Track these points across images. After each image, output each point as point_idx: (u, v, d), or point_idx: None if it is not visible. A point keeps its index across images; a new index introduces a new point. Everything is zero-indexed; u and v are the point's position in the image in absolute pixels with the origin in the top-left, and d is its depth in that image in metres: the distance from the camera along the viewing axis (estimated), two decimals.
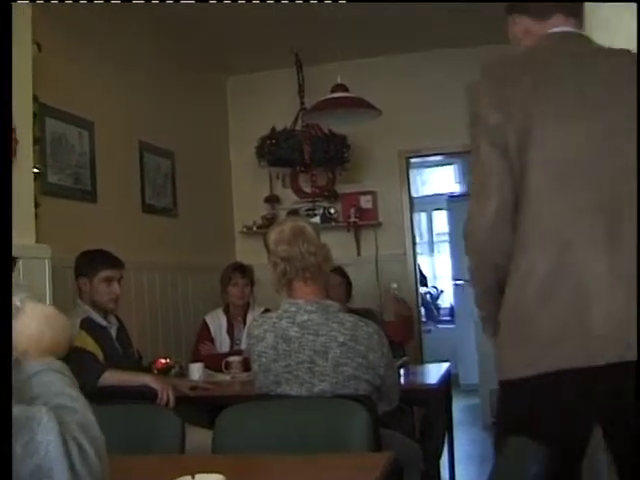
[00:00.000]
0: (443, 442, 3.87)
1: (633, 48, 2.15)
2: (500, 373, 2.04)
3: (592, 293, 1.92)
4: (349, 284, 4.59)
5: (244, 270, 4.61)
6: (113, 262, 3.70)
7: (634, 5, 2.32)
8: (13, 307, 1.39)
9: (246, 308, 4.61)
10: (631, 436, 1.92)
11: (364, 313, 3.34)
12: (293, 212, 6.03)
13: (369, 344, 2.61)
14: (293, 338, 2.64)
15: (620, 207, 1.96)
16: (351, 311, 2.87)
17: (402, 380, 3.57)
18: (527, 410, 2.00)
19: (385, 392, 2.76)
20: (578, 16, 2.18)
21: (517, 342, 2.01)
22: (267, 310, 4.08)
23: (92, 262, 3.66)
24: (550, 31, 2.15)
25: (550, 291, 1.95)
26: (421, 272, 8.07)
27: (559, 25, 2.14)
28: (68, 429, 1.20)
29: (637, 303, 1.88)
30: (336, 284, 4.19)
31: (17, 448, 1.13)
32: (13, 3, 2.80)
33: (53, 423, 1.18)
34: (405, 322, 4.53)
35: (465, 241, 2.12)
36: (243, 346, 4.38)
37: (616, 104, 2.03)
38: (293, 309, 2.67)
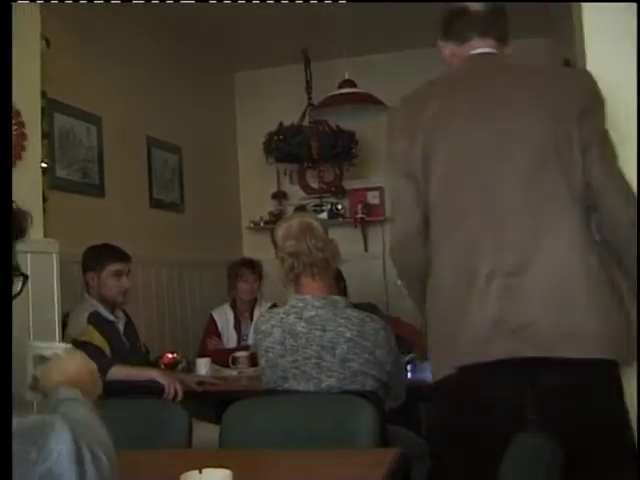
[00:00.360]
0: None
1: None
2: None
3: (481, 297, 2.05)
4: (343, 280, 4.56)
5: (253, 266, 4.62)
6: (121, 256, 3.71)
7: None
8: (54, 354, 1.67)
9: (253, 303, 4.61)
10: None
11: (368, 308, 3.34)
12: (300, 208, 6.02)
13: (376, 340, 2.61)
14: (300, 333, 2.63)
15: (507, 213, 2.08)
16: (355, 306, 2.86)
17: (409, 376, 3.56)
18: (445, 410, 2.21)
19: (392, 388, 2.76)
20: (497, 36, 2.35)
21: (434, 346, 2.21)
22: (274, 305, 4.09)
23: (99, 256, 3.66)
24: (470, 53, 2.32)
25: (451, 298, 2.13)
26: None
27: (478, 47, 2.31)
28: (83, 437, 1.25)
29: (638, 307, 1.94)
30: None
31: (33, 452, 1.17)
32: (18, 1, 2.81)
33: (66, 431, 1.22)
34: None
35: None
36: (250, 341, 4.38)
37: (515, 112, 2.14)
38: (300, 304, 2.66)
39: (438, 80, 2.35)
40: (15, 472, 1.15)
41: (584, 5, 2.30)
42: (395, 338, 2.78)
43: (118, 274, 3.66)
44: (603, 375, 2.04)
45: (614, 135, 2.11)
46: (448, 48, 2.43)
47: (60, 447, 1.19)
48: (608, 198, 2.08)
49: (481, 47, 2.32)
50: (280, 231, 2.76)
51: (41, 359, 1.66)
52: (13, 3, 2.61)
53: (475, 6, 2.36)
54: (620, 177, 2.10)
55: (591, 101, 2.13)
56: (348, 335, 2.59)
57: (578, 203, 2.06)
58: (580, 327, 1.99)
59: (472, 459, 2.06)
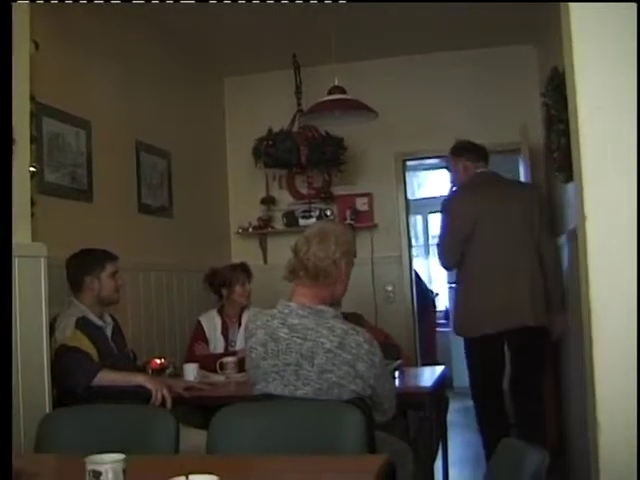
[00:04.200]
0: (438, 444, 3.86)
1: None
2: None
3: (498, 300, 4.26)
4: None
5: (248, 270, 4.68)
6: (113, 256, 3.77)
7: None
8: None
9: (242, 309, 4.62)
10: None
11: (352, 317, 3.33)
12: (289, 214, 6.03)
13: (357, 353, 2.58)
14: (281, 339, 2.64)
15: (515, 257, 4.31)
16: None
17: (397, 383, 3.56)
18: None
19: (379, 403, 2.74)
20: (486, 161, 4.56)
21: (468, 319, 4.45)
22: None
23: (97, 259, 3.69)
24: (478, 170, 4.51)
25: (480, 297, 4.34)
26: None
27: (481, 167, 4.53)
28: None
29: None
30: None
31: None
32: (18, 2, 2.81)
33: None
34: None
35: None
36: (238, 347, 4.38)
37: (510, 206, 4.36)
38: (286, 311, 2.68)
39: (469, 184, 4.49)
40: None
41: (571, 7, 2.30)
42: (384, 344, 2.77)
43: (114, 274, 3.73)
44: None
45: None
46: (462, 163, 4.55)
47: None
48: (548, 255, 4.44)
49: (482, 167, 4.54)
50: (306, 229, 2.86)
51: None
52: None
53: (479, 144, 4.58)
54: (553, 242, 4.55)
55: (541, 202, 4.55)
56: (328, 346, 2.58)
57: (535, 251, 4.36)
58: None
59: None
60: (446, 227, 4.46)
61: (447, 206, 4.52)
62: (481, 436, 4.54)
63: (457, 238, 4.35)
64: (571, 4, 2.27)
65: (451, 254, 4.42)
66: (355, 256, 2.89)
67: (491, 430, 4.33)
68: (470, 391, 4.63)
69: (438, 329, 9.09)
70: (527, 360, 4.45)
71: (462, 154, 4.54)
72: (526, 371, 4.47)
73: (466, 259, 4.37)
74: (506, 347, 4.46)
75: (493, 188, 4.46)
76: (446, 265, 4.62)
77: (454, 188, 4.72)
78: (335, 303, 2.84)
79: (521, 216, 4.37)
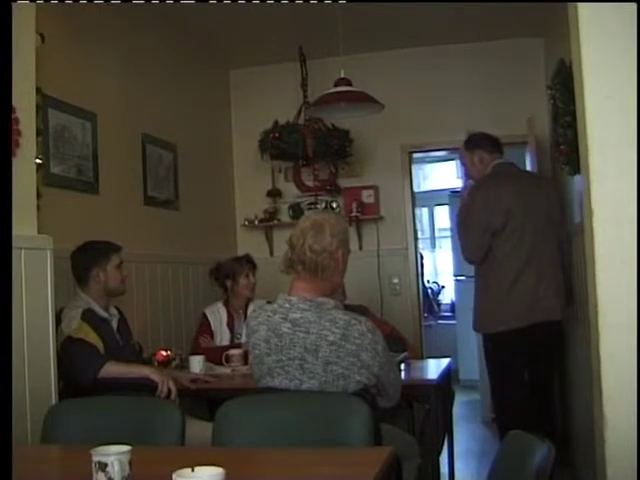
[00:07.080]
0: (443, 437, 3.86)
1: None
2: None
3: (525, 294, 4.19)
4: None
5: (253, 262, 4.68)
6: (117, 247, 3.77)
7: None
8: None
9: (248, 301, 4.63)
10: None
11: (358, 310, 3.33)
12: (295, 206, 6.02)
13: (361, 343, 2.57)
14: (284, 334, 2.63)
15: (541, 251, 4.24)
16: (346, 308, 2.84)
17: (402, 375, 3.56)
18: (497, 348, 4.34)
19: (383, 390, 2.74)
20: (502, 151, 4.53)
21: (492, 315, 4.30)
22: (268, 303, 4.08)
23: (102, 251, 3.69)
24: (497, 161, 4.45)
25: (508, 293, 4.22)
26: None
27: (497, 158, 4.47)
28: None
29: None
30: None
31: None
32: (18, 1, 2.80)
33: None
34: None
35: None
36: (243, 339, 4.39)
37: (536, 200, 4.33)
38: (287, 305, 2.67)
39: (494, 176, 4.38)
40: None
41: (580, 5, 2.30)
42: (389, 336, 2.77)
43: (120, 264, 3.74)
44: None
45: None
46: (478, 155, 4.46)
47: None
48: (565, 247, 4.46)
49: (499, 158, 4.47)
50: (300, 221, 2.85)
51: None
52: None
53: (492, 135, 4.54)
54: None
55: (558, 194, 4.56)
56: (331, 338, 2.56)
57: (557, 244, 4.36)
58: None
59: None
60: (474, 220, 4.29)
61: (474, 198, 4.35)
62: (498, 430, 4.45)
63: (488, 231, 4.22)
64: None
65: (481, 247, 4.26)
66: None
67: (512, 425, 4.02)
68: (492, 388, 4.52)
69: (444, 322, 9.12)
70: (549, 354, 4.44)
71: (477, 146, 4.46)
72: (546, 365, 4.47)
73: (491, 253, 4.27)
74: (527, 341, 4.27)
75: (518, 179, 4.42)
76: (474, 259, 4.39)
77: (469, 181, 4.56)
78: (336, 292, 2.83)
79: (546, 208, 4.33)
